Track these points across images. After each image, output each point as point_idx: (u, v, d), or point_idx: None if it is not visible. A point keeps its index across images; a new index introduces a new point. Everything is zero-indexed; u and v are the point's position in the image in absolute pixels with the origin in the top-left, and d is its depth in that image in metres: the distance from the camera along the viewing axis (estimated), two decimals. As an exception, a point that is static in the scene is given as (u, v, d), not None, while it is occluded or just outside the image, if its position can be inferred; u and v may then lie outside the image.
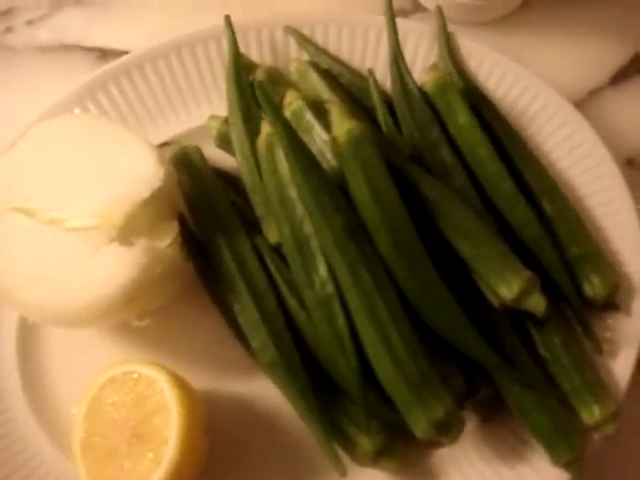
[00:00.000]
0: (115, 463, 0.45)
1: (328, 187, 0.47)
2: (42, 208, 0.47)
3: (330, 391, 0.48)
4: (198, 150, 0.53)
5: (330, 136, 0.47)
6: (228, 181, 0.54)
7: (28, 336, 0.53)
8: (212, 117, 0.55)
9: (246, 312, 0.48)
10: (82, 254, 0.46)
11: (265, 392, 0.50)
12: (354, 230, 0.46)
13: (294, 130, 0.47)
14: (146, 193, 0.46)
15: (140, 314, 0.49)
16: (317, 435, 0.46)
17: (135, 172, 0.47)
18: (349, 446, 0.47)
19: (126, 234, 0.46)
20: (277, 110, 0.47)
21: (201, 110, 0.56)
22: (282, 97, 0.51)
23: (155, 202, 0.47)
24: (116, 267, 0.46)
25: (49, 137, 0.50)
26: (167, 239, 0.47)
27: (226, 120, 0.54)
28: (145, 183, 0.47)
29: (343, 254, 0.46)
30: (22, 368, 0.52)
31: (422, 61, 0.55)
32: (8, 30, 0.63)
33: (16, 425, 0.51)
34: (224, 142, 0.54)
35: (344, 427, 0.47)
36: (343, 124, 0.47)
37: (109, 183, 0.47)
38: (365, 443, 0.46)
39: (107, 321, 0.49)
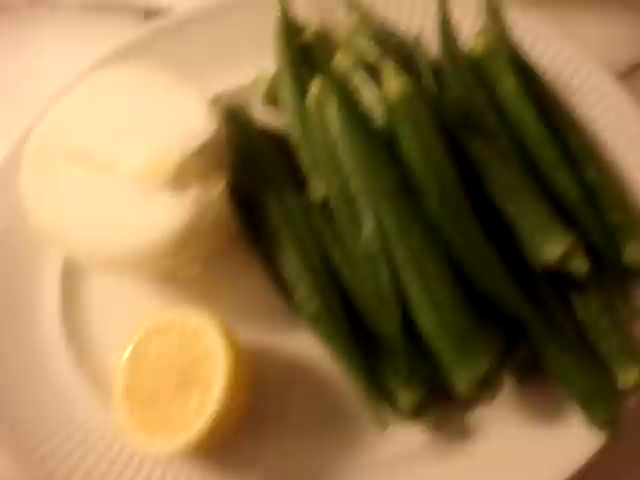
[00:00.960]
0: (159, 409, 0.46)
1: (378, 143, 0.47)
2: (93, 155, 0.48)
3: (371, 345, 0.48)
4: (245, 107, 0.54)
5: (382, 93, 0.48)
6: (273, 139, 0.54)
7: (71, 283, 0.53)
8: (259, 75, 0.55)
9: (291, 264, 0.49)
10: (133, 200, 0.47)
11: (306, 345, 0.50)
12: (403, 186, 0.47)
13: (346, 86, 0.48)
14: (198, 143, 0.47)
15: (186, 264, 0.49)
16: (358, 387, 0.47)
17: (188, 122, 0.48)
18: (389, 399, 0.47)
19: (177, 182, 0.47)
20: (330, 67, 0.48)
21: (247, 69, 0.56)
22: (331, 57, 0.52)
23: (206, 153, 0.48)
24: (167, 214, 0.46)
25: (102, 86, 0.50)
26: (216, 190, 0.48)
27: (274, 78, 0.54)
28: (197, 133, 0.47)
29: (392, 209, 0.46)
30: (64, 315, 0.53)
31: (468, 29, 0.55)
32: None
33: (56, 376, 0.51)
34: (271, 100, 0.55)
35: (385, 380, 0.47)
36: (396, 82, 0.47)
37: (161, 132, 0.48)
38: (405, 396, 0.46)
39: (154, 267, 0.50)
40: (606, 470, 0.48)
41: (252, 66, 0.56)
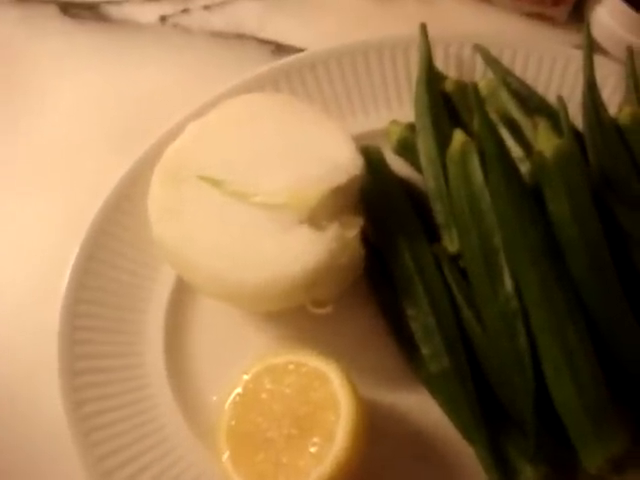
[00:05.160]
0: (269, 455, 0.43)
1: (527, 200, 0.46)
2: (229, 180, 0.46)
3: (496, 412, 0.45)
4: (379, 151, 0.52)
5: (535, 150, 0.47)
6: (405, 187, 0.52)
7: (179, 308, 0.51)
8: (393, 122, 0.54)
9: (421, 317, 0.47)
10: (268, 231, 0.45)
11: (423, 407, 0.47)
12: (547, 246, 0.45)
13: (501, 137, 0.47)
14: (343, 180, 0.45)
15: (312, 303, 0.47)
16: (478, 455, 0.45)
17: (333, 157, 0.46)
18: (509, 472, 0.44)
19: (317, 217, 0.45)
20: (486, 115, 0.46)
21: (379, 114, 0.55)
22: (471, 110, 0.51)
23: (347, 191, 0.46)
24: (305, 249, 0.44)
25: (242, 111, 0.49)
26: (353, 231, 0.46)
27: (408, 126, 0.53)
28: (343, 170, 0.45)
29: (535, 269, 0.44)
30: (167, 342, 0.50)
31: (607, 96, 0.54)
32: (185, 12, 0.62)
33: (156, 406, 0.48)
34: (403, 149, 0.53)
35: (508, 452, 0.44)
36: (551, 139, 0.46)
37: (304, 164, 0.46)
38: (529, 472, 0.43)
39: (279, 304, 0.47)
40: None
41: (384, 111, 0.55)
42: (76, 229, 0.51)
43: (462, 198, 0.47)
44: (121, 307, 0.50)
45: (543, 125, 0.46)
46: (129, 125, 0.57)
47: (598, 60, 0.54)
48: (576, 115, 0.52)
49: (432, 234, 0.50)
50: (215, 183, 0.46)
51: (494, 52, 0.56)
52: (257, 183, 0.46)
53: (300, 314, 0.48)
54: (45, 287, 0.52)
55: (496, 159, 0.46)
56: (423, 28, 0.54)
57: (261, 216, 0.45)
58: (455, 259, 0.49)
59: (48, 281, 0.51)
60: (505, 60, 0.56)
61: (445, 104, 0.53)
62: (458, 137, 0.47)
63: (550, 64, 0.56)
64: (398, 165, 0.54)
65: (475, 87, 0.47)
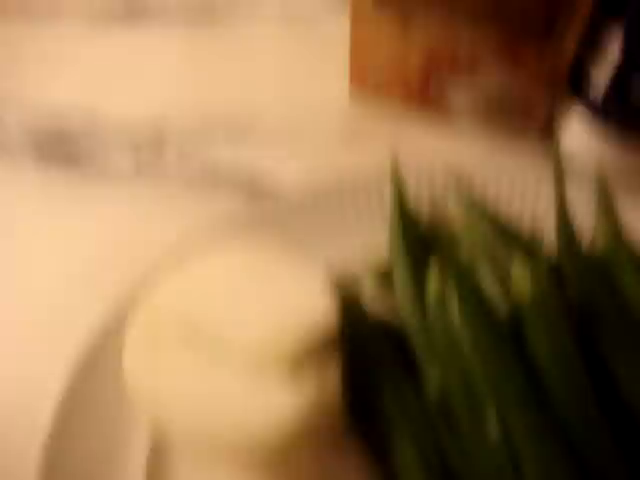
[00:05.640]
0: None
1: (508, 343, 0.45)
2: (205, 336, 0.45)
3: None
4: (356, 295, 0.51)
5: (513, 290, 0.46)
6: (384, 325, 0.51)
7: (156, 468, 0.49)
8: (370, 260, 0.53)
9: (405, 462, 0.45)
10: (245, 387, 0.43)
11: None
12: (531, 388, 0.44)
13: (478, 282, 0.46)
14: (320, 329, 0.44)
15: (296, 459, 0.45)
16: None
17: (309, 307, 0.45)
18: None
19: (294, 371, 0.44)
20: (447, 259, 0.46)
21: (356, 252, 0.55)
22: (446, 247, 0.50)
23: (325, 341, 0.45)
24: (285, 406, 0.43)
25: (216, 265, 0.48)
26: (333, 383, 0.45)
27: (385, 264, 0.53)
28: (320, 321, 0.45)
29: (519, 412, 0.43)
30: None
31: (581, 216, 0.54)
32: (158, 159, 0.63)
33: None
34: (381, 292, 0.53)
35: None
36: (527, 281, 0.45)
37: (280, 315, 0.45)
38: None
39: (260, 461, 0.45)
40: None
41: (362, 249, 0.55)
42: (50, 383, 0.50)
43: (442, 339, 0.46)
44: (97, 471, 0.48)
45: (519, 265, 0.46)
46: (103, 275, 0.57)
47: (571, 177, 0.54)
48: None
49: (414, 376, 0.49)
50: (192, 340, 0.45)
51: (466, 179, 0.56)
52: (235, 340, 0.45)
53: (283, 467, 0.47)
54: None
55: (469, 305, 0.45)
56: (394, 163, 0.54)
57: (240, 373, 0.44)
58: (439, 397, 0.47)
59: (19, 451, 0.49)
60: (478, 184, 0.56)
61: (422, 244, 0.53)
62: (434, 280, 0.47)
63: (522, 184, 0.56)
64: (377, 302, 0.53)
65: (449, 233, 0.47)
